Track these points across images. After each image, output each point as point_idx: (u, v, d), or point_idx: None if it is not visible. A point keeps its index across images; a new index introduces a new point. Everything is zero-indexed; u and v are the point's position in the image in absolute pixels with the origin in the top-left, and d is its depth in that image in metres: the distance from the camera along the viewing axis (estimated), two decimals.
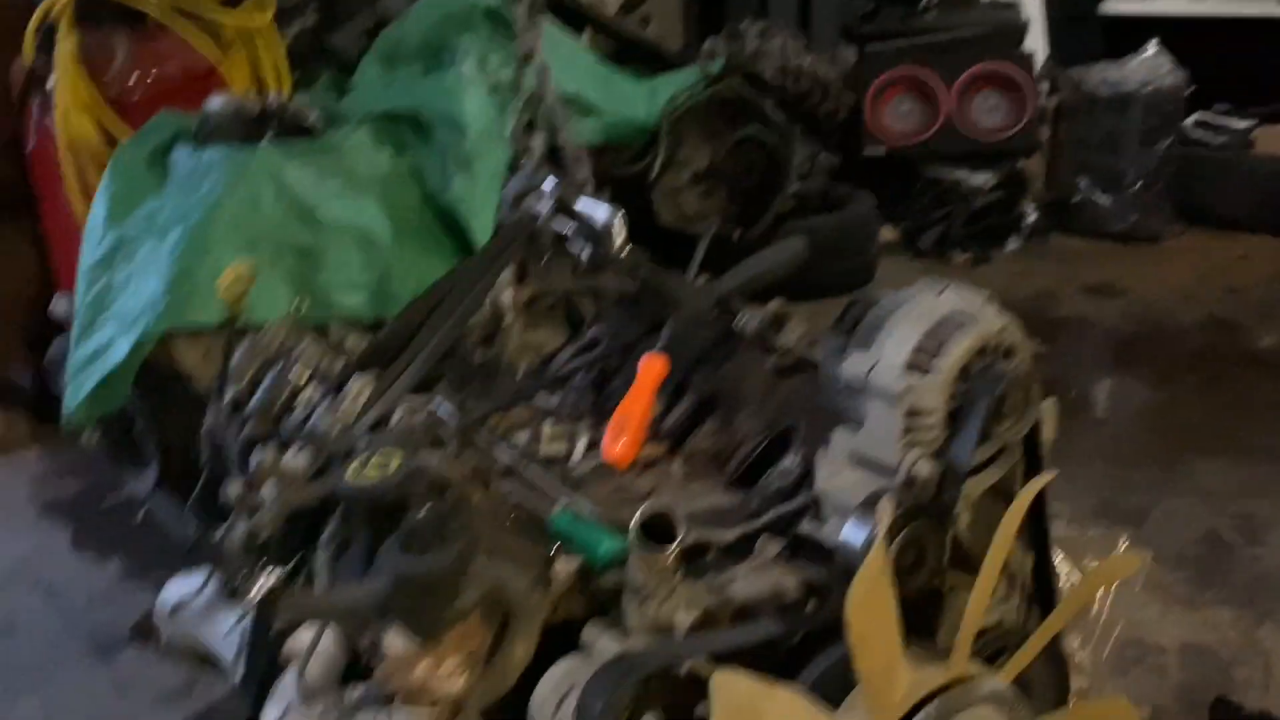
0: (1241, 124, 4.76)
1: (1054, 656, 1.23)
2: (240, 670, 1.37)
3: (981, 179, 4.66)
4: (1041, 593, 1.26)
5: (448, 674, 0.92)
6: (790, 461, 1.33)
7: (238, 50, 3.15)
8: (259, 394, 1.32)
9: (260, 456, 1.14)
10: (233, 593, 0.93)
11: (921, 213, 4.68)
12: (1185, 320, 3.83)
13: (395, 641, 0.92)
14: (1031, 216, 4.78)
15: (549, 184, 1.45)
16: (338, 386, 1.26)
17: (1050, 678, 1.23)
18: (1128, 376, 3.49)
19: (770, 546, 1.18)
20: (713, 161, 4.03)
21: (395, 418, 1.21)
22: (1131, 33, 4.90)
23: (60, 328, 3.42)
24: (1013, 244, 4.67)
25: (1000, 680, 0.99)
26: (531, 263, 1.55)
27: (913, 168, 4.66)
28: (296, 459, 1.13)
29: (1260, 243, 4.55)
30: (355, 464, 1.01)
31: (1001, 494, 1.22)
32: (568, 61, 2.96)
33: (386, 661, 0.93)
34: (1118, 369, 3.58)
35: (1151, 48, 4.63)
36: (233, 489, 1.09)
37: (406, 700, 0.95)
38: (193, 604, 1.46)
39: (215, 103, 2.46)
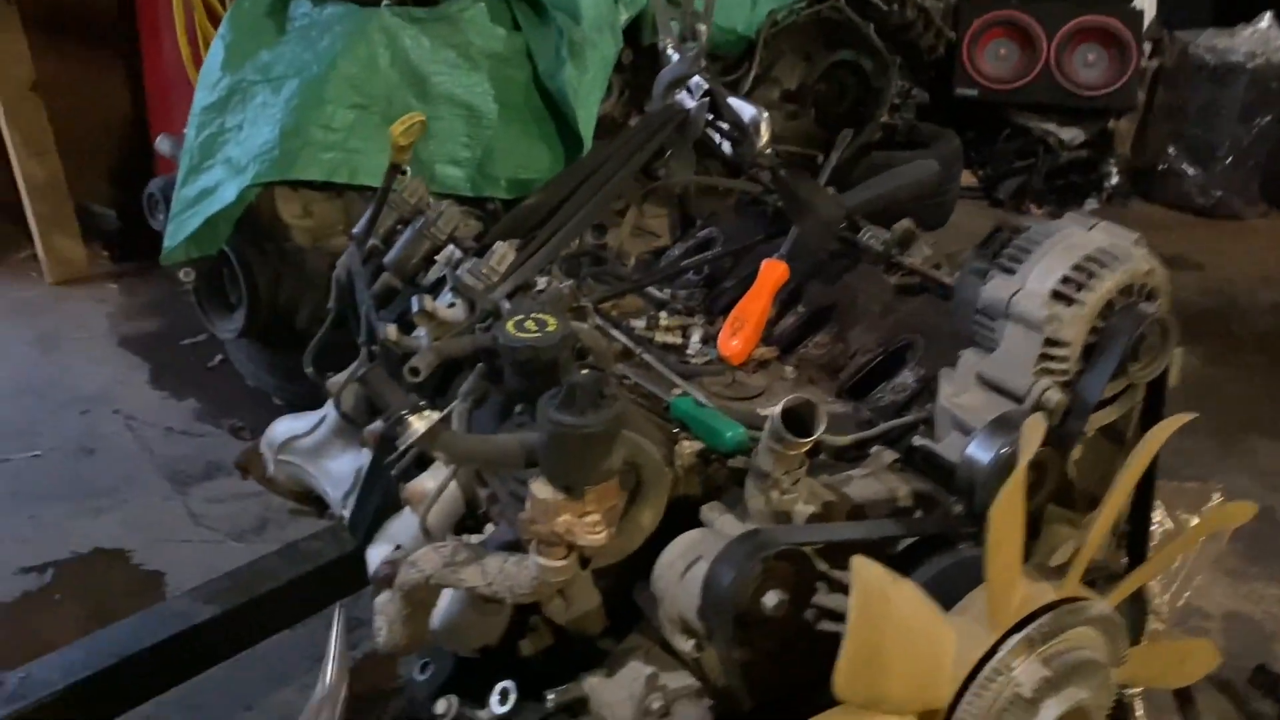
0: None
1: (1136, 595, 1.27)
2: (350, 507, 1.44)
3: (1070, 134, 4.57)
4: (1135, 534, 1.30)
5: (591, 526, 0.96)
6: (905, 377, 1.35)
7: None
8: (398, 246, 1.35)
9: (415, 298, 1.17)
10: (392, 430, 0.97)
11: (1004, 161, 4.62)
12: (1259, 301, 3.80)
13: (542, 490, 0.97)
14: (1114, 179, 4.71)
15: (700, 78, 1.45)
16: (482, 249, 1.29)
17: (1129, 617, 1.27)
18: (1194, 353, 3.47)
19: (885, 454, 1.21)
20: (805, 82, 3.97)
21: (539, 287, 1.24)
22: (1245, 1, 4.75)
23: (153, 167, 3.47)
24: (1091, 204, 4.61)
25: (1107, 605, 1.03)
26: (671, 152, 1.56)
27: (1002, 114, 4.59)
28: (453, 309, 1.17)
29: None
30: (513, 321, 1.05)
31: (1113, 435, 1.25)
32: None
33: (531, 507, 0.97)
34: (1185, 343, 3.56)
35: (1265, 20, 4.50)
36: (389, 331, 1.13)
37: (541, 548, 0.99)
38: (303, 441, 1.52)
39: None
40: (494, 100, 2.42)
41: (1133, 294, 1.13)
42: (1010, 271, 1.16)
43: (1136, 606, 1.27)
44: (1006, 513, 0.92)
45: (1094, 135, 4.64)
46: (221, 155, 2.29)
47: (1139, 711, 1.46)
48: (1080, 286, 1.11)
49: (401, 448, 0.98)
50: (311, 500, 1.59)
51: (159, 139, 2.67)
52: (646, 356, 1.39)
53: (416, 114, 1.24)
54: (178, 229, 2.32)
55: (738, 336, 1.43)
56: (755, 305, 1.45)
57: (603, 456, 0.96)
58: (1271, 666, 1.91)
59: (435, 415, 0.98)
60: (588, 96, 2.49)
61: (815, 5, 3.78)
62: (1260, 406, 3.04)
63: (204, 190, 2.29)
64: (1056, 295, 1.12)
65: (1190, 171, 4.62)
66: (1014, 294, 1.15)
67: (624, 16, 2.75)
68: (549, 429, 0.93)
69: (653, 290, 1.62)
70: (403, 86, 2.33)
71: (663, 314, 1.50)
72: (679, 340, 1.47)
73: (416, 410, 0.97)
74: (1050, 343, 1.12)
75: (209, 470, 2.54)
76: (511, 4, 2.55)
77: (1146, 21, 4.65)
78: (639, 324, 1.48)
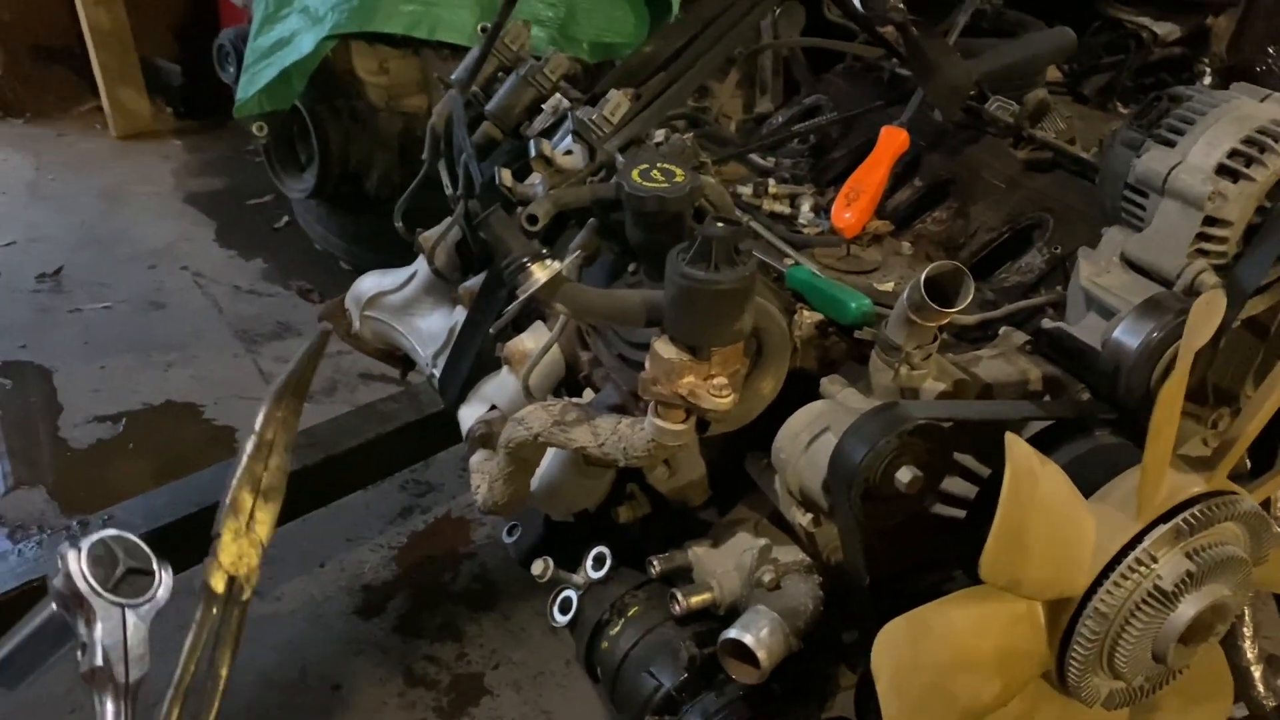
0: None
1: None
2: (440, 366, 1.40)
3: (1165, 28, 4.32)
4: (1267, 436, 1.23)
5: (718, 389, 0.91)
6: (1033, 258, 1.28)
7: None
8: (501, 93, 1.28)
9: (533, 141, 1.10)
10: (512, 278, 0.91)
11: (1092, 55, 4.39)
12: None
13: (666, 349, 0.91)
14: (1207, 79, 4.48)
15: None
16: (593, 98, 1.22)
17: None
18: None
19: (1015, 335, 1.15)
20: None
21: (656, 138, 1.16)
22: None
23: (218, 21, 3.39)
24: None
25: (1254, 501, 0.97)
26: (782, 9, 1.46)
27: (1094, 4, 4.35)
28: (572, 156, 1.10)
29: None
30: (638, 169, 0.98)
31: (1256, 327, 1.17)
32: None
33: (652, 366, 0.92)
34: None
35: None
36: (504, 176, 1.07)
37: (660, 409, 0.95)
38: (392, 297, 1.48)
39: None
40: None
41: None
42: (1170, 144, 1.07)
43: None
44: (1171, 398, 0.86)
45: (1190, 31, 4.40)
46: (299, 3, 2.21)
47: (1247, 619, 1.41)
48: (1251, 161, 1.02)
49: (522, 295, 0.93)
50: (398, 359, 1.56)
51: None
52: (756, 225, 1.32)
53: None
54: (251, 80, 2.25)
55: (852, 208, 1.35)
56: (873, 175, 1.37)
57: (734, 317, 0.90)
58: None
59: (558, 264, 0.92)
60: None
61: None
62: None
63: (279, 40, 2.21)
64: (1222, 170, 1.03)
65: None
66: (1173, 167, 1.06)
67: None
68: (679, 283, 0.88)
69: (756, 157, 1.54)
70: None
71: (771, 181, 1.42)
72: (788, 209, 1.39)
73: (539, 258, 0.92)
74: (1211, 221, 1.04)
75: (278, 330, 2.52)
76: None
77: None
78: (746, 190, 1.40)
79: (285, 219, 2.95)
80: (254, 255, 2.82)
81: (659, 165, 1.00)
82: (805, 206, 1.40)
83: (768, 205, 1.39)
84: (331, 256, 2.73)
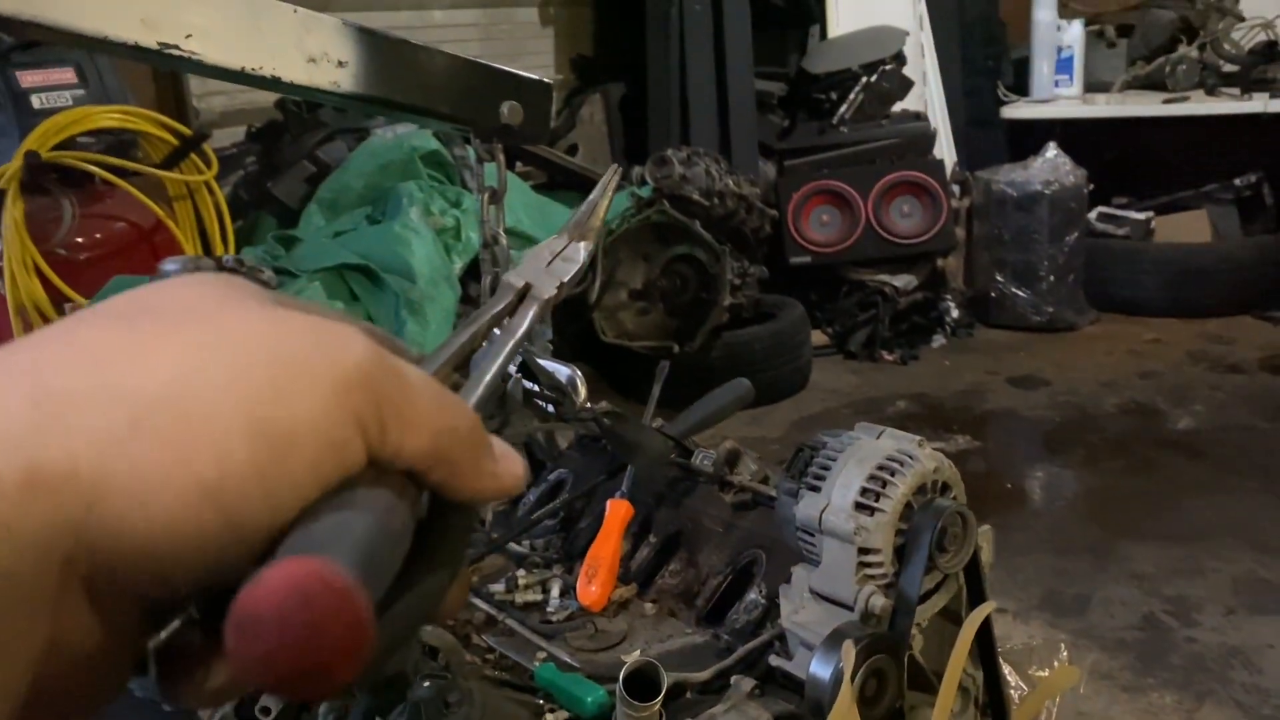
0: (1140, 215, 5.08)
1: None
2: None
3: (903, 280, 4.89)
4: (994, 703, 1.36)
5: None
6: (754, 595, 1.41)
7: (182, 206, 3.25)
8: None
9: None
10: None
11: (849, 316, 4.89)
12: (1107, 406, 4.04)
13: None
14: (954, 313, 5.02)
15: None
16: None
17: None
18: (1058, 465, 3.66)
19: (744, 683, 1.26)
20: (648, 280, 4.20)
21: None
22: (1031, 136, 5.23)
23: None
24: (938, 340, 4.89)
25: None
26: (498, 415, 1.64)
27: (838, 274, 4.89)
28: None
29: (1168, 325, 4.83)
30: None
31: (950, 616, 1.33)
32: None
33: None
34: (1048, 458, 3.76)
35: (1051, 149, 4.95)
36: None
37: None
38: None
39: (170, 264, 2.53)
40: None
41: (926, 492, 1.23)
42: (816, 489, 1.25)
43: None
44: None
45: (926, 277, 4.98)
46: None
47: None
48: (878, 495, 1.21)
49: None
50: None
51: None
52: (510, 622, 1.43)
53: None
54: None
55: (594, 583, 1.48)
56: (606, 548, 1.51)
57: None
58: None
59: None
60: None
61: (644, 211, 4.03)
62: (1128, 511, 3.20)
63: None
64: (859, 506, 1.21)
65: (1020, 293, 4.95)
66: (823, 510, 1.23)
67: (459, 265, 2.90)
68: None
69: (513, 545, 1.67)
70: None
71: (520, 572, 1.54)
72: (539, 596, 1.51)
73: None
74: (863, 550, 1.20)
75: None
76: (346, 277, 2.67)
77: (949, 168, 5.08)
78: (499, 588, 1.51)
79: None
80: None
81: None
82: (554, 591, 1.52)
83: (520, 597, 1.51)
84: None
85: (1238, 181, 5.03)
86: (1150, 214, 5.07)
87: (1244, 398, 4.00)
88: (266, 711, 1.08)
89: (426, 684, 0.97)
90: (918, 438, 1.25)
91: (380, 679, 1.05)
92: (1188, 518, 3.10)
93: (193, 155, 3.32)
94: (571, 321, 4.08)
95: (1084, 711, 2.19)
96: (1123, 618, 2.61)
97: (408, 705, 0.96)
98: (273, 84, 0.99)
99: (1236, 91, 5.05)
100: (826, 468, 1.27)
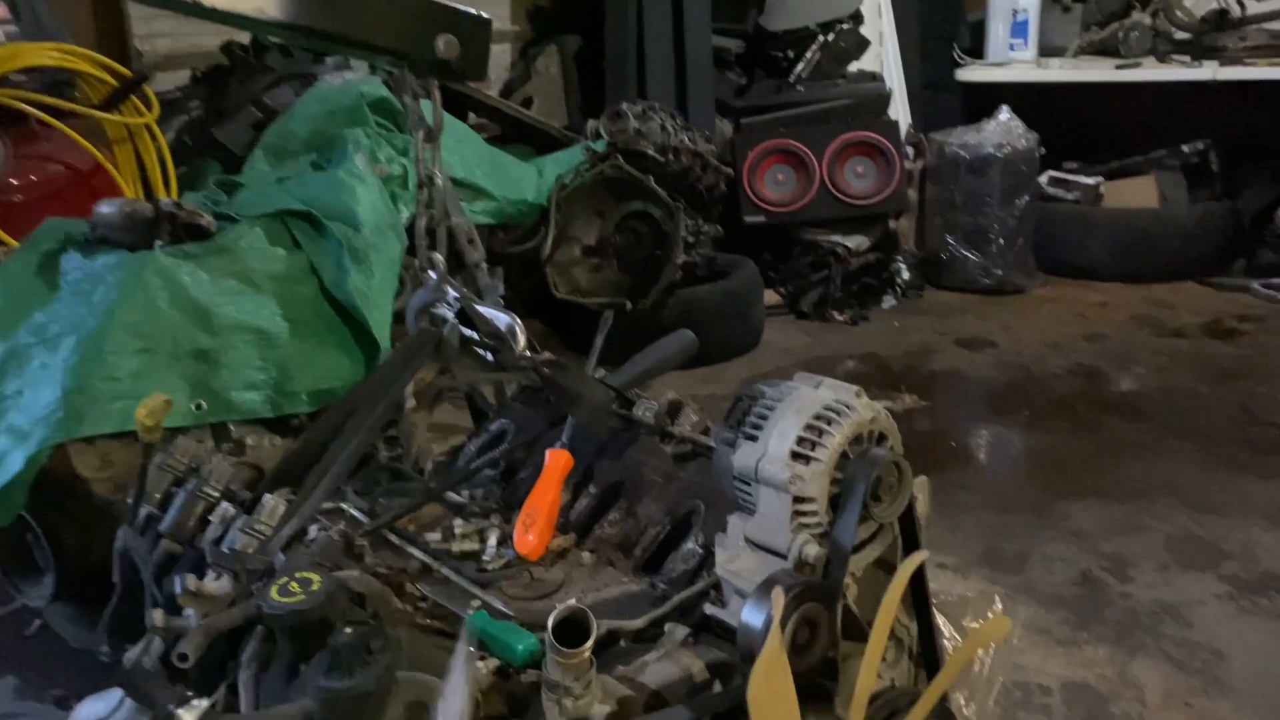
0: (1090, 180, 5.12)
1: (943, 714, 1.33)
2: None
3: (856, 241, 4.89)
4: (927, 654, 1.37)
5: None
6: (692, 545, 1.41)
7: (122, 149, 3.16)
8: (171, 512, 1.35)
9: (178, 578, 1.17)
10: None
11: (802, 276, 4.89)
12: (1053, 368, 4.08)
13: None
14: (905, 275, 5.04)
15: (452, 296, 1.52)
16: (252, 504, 1.30)
17: None
18: (1003, 425, 3.70)
19: (677, 631, 1.26)
20: (602, 236, 4.16)
21: (312, 533, 1.25)
22: (985, 99, 5.23)
23: None
24: (889, 301, 4.90)
25: None
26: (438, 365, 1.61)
27: (791, 234, 4.88)
28: (218, 582, 1.16)
29: (1116, 290, 4.89)
30: (277, 585, 1.06)
31: (885, 566, 1.33)
32: (456, 146, 3.05)
33: None
34: (993, 418, 3.79)
35: (1004, 113, 4.96)
36: (155, 617, 1.11)
37: None
38: None
39: (106, 207, 2.47)
40: (283, 319, 2.44)
41: (863, 442, 1.22)
42: (753, 438, 1.25)
43: None
44: (767, 686, 0.97)
45: (879, 238, 4.98)
46: (3, 424, 2.23)
47: None
48: (814, 444, 1.20)
49: None
50: None
51: None
52: (444, 570, 1.41)
53: (160, 395, 1.26)
54: None
55: (531, 531, 1.46)
56: (544, 498, 1.50)
57: (379, 712, 0.97)
58: None
59: (204, 703, 0.97)
60: (378, 299, 2.54)
61: (597, 165, 3.99)
62: (1069, 471, 3.24)
63: None
64: (795, 456, 1.20)
65: (971, 256, 4.97)
66: (759, 459, 1.23)
67: (405, 214, 2.84)
68: (318, 697, 0.94)
69: (451, 494, 1.65)
70: (186, 323, 2.33)
71: (457, 521, 1.52)
72: (476, 546, 1.49)
73: (184, 703, 0.97)
74: (798, 500, 1.20)
75: None
76: (288, 223, 2.60)
77: (903, 129, 5.07)
78: (435, 536, 1.50)
79: (38, 622, 2.83)
80: (5, 671, 2.68)
81: (298, 575, 1.08)
82: (491, 540, 1.50)
83: (456, 546, 1.49)
84: (89, 652, 2.63)
85: (1186, 148, 5.07)
86: (1100, 179, 5.10)
87: (1186, 362, 4.06)
88: (183, 658, 1.06)
89: (349, 630, 0.95)
90: (856, 388, 1.25)
91: (302, 625, 1.03)
92: (1127, 477, 3.15)
93: (133, 98, 3.22)
94: (524, 277, 4.04)
95: (1020, 665, 2.23)
96: (1060, 574, 2.65)
97: (328, 651, 0.94)
98: (193, 8, 0.95)
99: (1187, 59, 5.09)
100: (764, 417, 1.26)
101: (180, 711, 0.96)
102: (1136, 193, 5.07)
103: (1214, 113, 5.02)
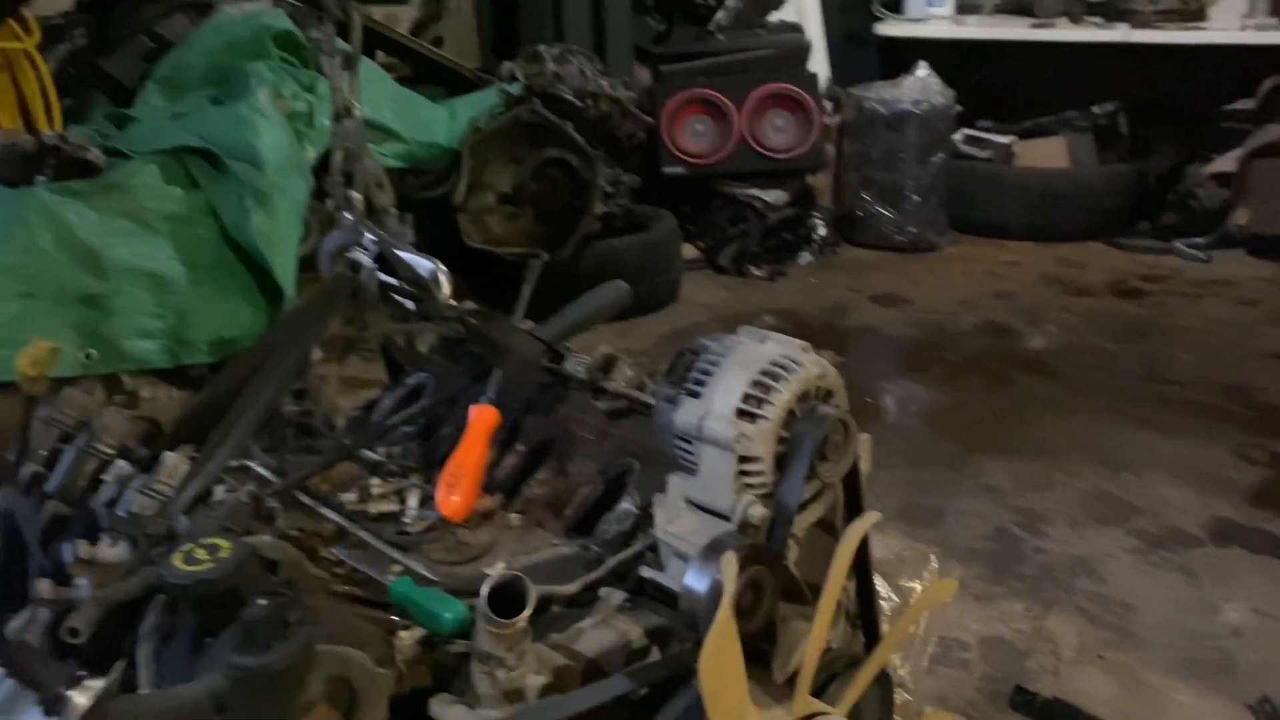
0: (1004, 139, 5.16)
1: (880, 678, 1.30)
2: None
3: (774, 195, 4.86)
4: (866, 615, 1.34)
5: None
6: (626, 505, 1.35)
7: (0, 77, 2.92)
8: (59, 471, 1.23)
9: (67, 544, 1.06)
10: (47, 709, 0.86)
11: (720, 230, 4.84)
12: (965, 325, 4.12)
13: None
14: (822, 231, 5.03)
15: (369, 239, 1.42)
16: (150, 463, 1.19)
17: (877, 698, 1.30)
18: (917, 382, 3.72)
19: (613, 596, 1.20)
20: (517, 183, 4.04)
21: (218, 494, 1.15)
22: (903, 54, 5.22)
23: None
24: (805, 257, 4.89)
25: (840, 716, 1.05)
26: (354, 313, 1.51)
27: (710, 186, 4.82)
28: (114, 548, 1.06)
29: (1026, 248, 4.96)
30: (181, 552, 0.96)
31: (826, 526, 1.29)
32: (364, 84, 2.90)
33: None
34: (907, 375, 3.81)
35: (921, 69, 4.96)
36: (42, 587, 1.01)
37: None
38: None
39: None
40: (180, 263, 2.29)
41: (810, 399, 1.17)
42: (696, 395, 1.18)
43: (880, 688, 1.30)
44: (718, 658, 0.92)
45: (796, 193, 4.95)
46: None
47: None
48: (761, 402, 1.14)
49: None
50: None
51: None
52: (362, 533, 1.32)
53: (45, 342, 1.14)
54: None
55: (456, 492, 1.38)
56: (470, 456, 1.41)
57: (295, 691, 0.88)
58: (1025, 687, 2.02)
59: (98, 683, 0.87)
60: (283, 243, 2.41)
61: (513, 109, 3.85)
62: (983, 427, 3.28)
63: None
64: (741, 413, 1.14)
65: (886, 213, 4.99)
66: (703, 417, 1.16)
67: (311, 154, 2.69)
68: (229, 674, 0.85)
69: (366, 452, 1.55)
70: (73, 265, 2.17)
71: (374, 481, 1.43)
72: (396, 507, 1.41)
73: (75, 683, 0.87)
74: (744, 459, 1.14)
75: None
76: (186, 161, 2.44)
77: (822, 83, 5.03)
78: (350, 497, 1.40)
79: None
80: None
81: (203, 541, 0.98)
82: (412, 501, 1.41)
83: (374, 507, 1.40)
84: None
85: (1096, 110, 5.15)
86: (1013, 138, 5.15)
87: (1093, 320, 4.15)
88: (75, 633, 0.96)
89: (262, 601, 0.86)
90: (803, 343, 1.19)
91: (210, 596, 0.94)
92: (1039, 434, 3.20)
93: (10, 20, 2.98)
94: (434, 224, 3.89)
95: (938, 619, 2.24)
96: (976, 529, 2.68)
97: (240, 625, 0.85)
98: None
99: (1100, 20, 5.15)
100: (708, 373, 1.20)
101: (71, 693, 0.86)
102: (1047, 153, 5.13)
103: (1125, 75, 5.10)
